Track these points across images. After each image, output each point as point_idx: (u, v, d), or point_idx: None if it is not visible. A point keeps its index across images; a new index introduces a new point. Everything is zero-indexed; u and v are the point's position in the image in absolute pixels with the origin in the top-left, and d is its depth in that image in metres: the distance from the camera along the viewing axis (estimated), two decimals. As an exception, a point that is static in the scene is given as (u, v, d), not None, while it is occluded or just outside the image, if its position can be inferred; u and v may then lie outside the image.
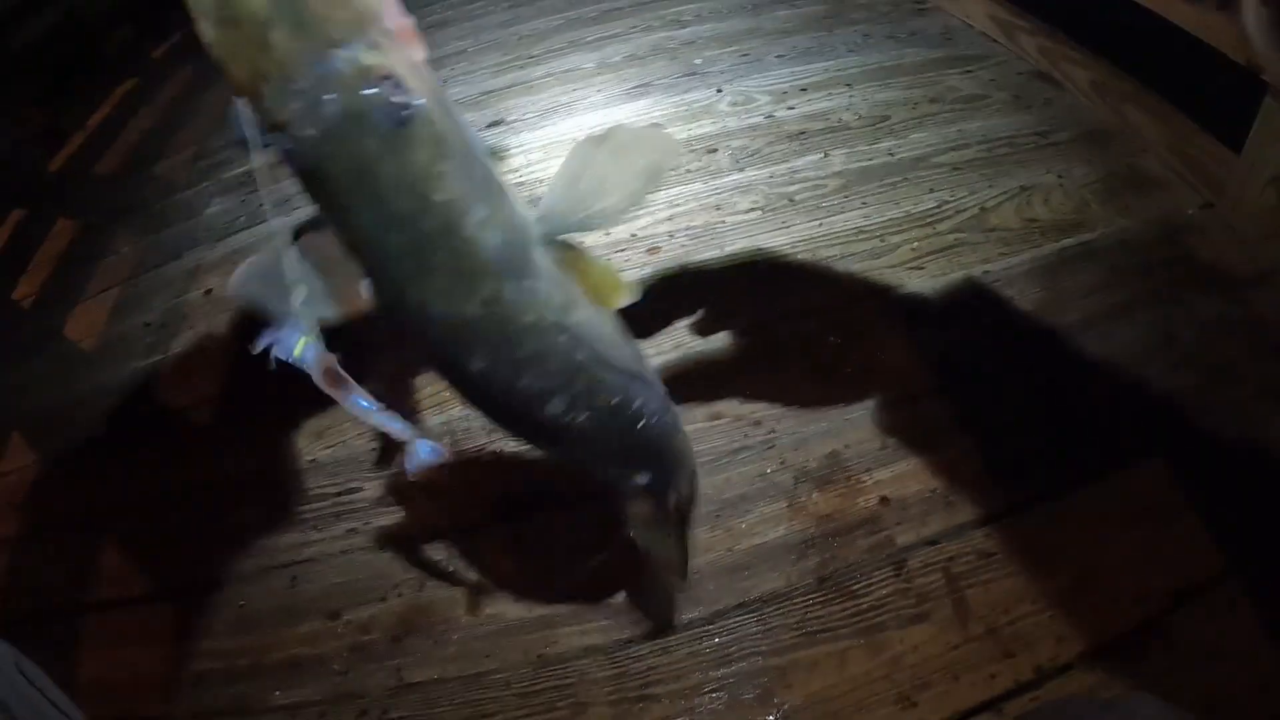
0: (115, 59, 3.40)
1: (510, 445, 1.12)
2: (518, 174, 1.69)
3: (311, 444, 1.22)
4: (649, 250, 1.38)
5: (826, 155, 1.56)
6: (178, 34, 3.83)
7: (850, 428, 1.07)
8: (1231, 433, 1.00)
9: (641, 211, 1.44)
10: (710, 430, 1.09)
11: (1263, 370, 1.06)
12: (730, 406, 1.11)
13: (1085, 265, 1.25)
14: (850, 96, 1.73)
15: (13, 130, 2.66)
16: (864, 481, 1.02)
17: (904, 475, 1.01)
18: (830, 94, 1.75)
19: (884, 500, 1.00)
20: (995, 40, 1.87)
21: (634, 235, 1.42)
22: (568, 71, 2.12)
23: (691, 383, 1.15)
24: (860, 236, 1.36)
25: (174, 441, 1.34)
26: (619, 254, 1.39)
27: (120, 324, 1.68)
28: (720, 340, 1.21)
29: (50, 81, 3.12)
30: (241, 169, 2.12)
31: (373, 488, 1.14)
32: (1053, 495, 0.97)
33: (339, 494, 1.15)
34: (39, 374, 1.65)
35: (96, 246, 2.04)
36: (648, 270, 1.34)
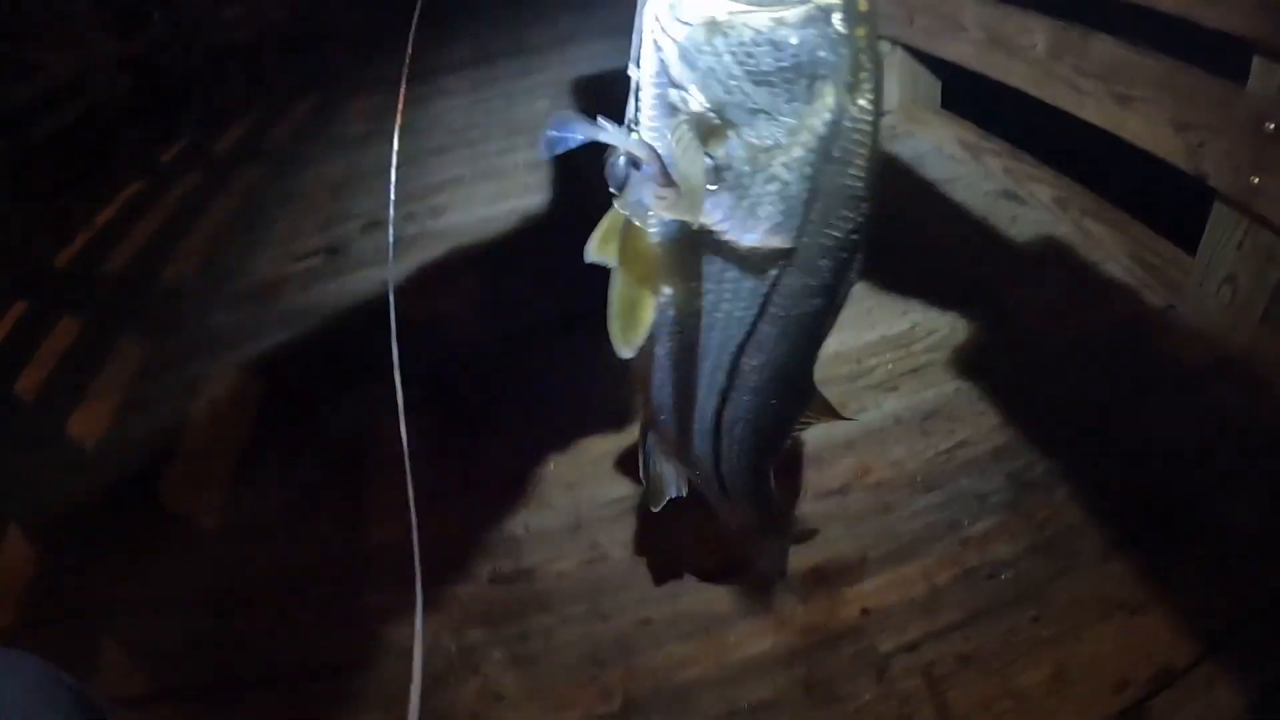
0: (125, 160, 3.51)
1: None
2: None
3: (315, 551, 1.27)
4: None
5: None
6: (186, 139, 3.99)
7: (831, 542, 1.13)
8: (1199, 519, 1.07)
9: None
10: (695, 547, 1.14)
11: (1227, 457, 1.15)
12: (715, 527, 1.16)
13: (1054, 373, 1.34)
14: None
15: (24, 220, 2.72)
16: (845, 594, 1.07)
17: (884, 585, 1.07)
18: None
19: (865, 611, 1.05)
20: (963, 162, 2.02)
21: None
22: (564, 198, 2.25)
23: (676, 504, 1.21)
24: (838, 360, 1.44)
25: (178, 546, 1.38)
26: (615, 378, 1.46)
27: (125, 428, 1.73)
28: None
29: (62, 177, 3.22)
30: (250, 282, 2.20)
31: (369, 597, 1.17)
32: (1029, 594, 1.02)
33: (339, 607, 1.18)
34: (40, 469, 1.69)
35: (101, 347, 2.10)
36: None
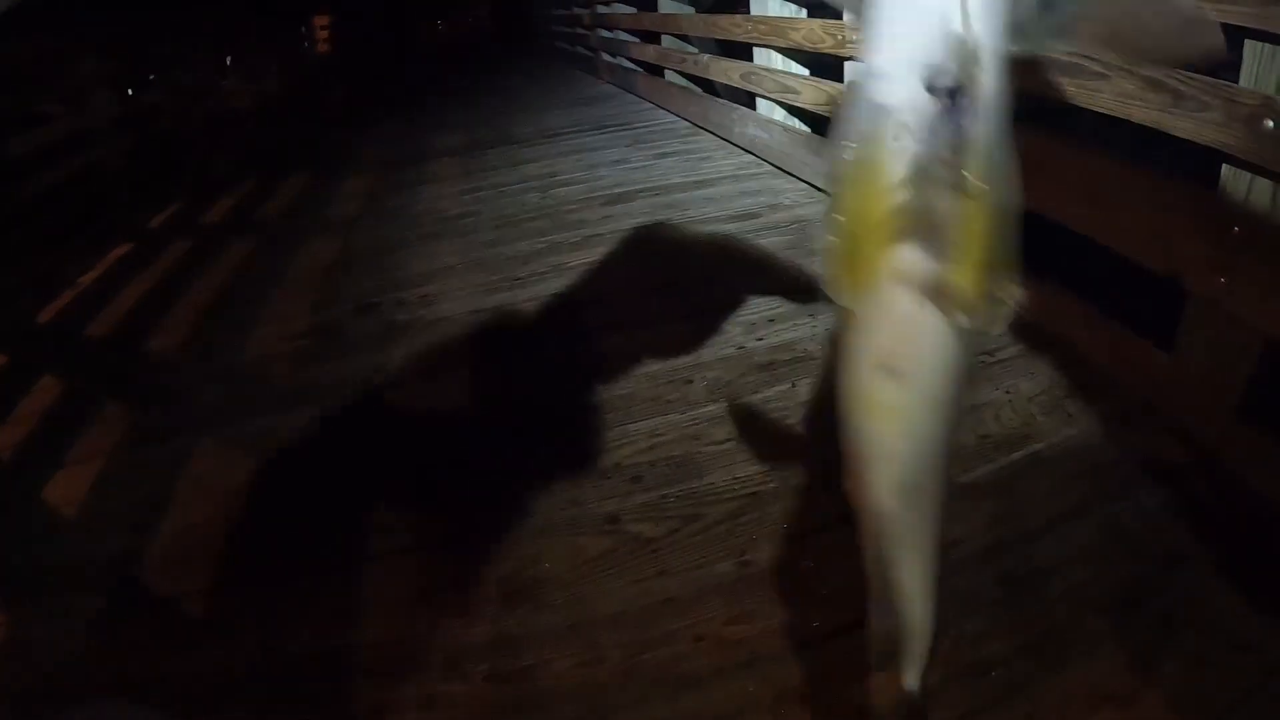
0: (115, 221, 3.54)
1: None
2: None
3: (304, 645, 1.25)
4: (632, 479, 1.51)
5: (794, 386, 1.74)
6: (177, 205, 4.03)
7: (827, 644, 1.15)
8: (1184, 615, 1.11)
9: (623, 442, 1.60)
10: (694, 651, 1.16)
11: (1207, 552, 1.20)
12: (711, 628, 1.19)
13: (1037, 474, 1.41)
14: (813, 326, 1.95)
15: (7, 273, 2.73)
16: (843, 694, 1.09)
17: (880, 684, 1.07)
18: (795, 324, 1.98)
19: (861, 711, 1.06)
20: None
21: (617, 465, 1.55)
22: (553, 296, 2.33)
23: (675, 602, 1.24)
24: (827, 464, 1.47)
25: (156, 627, 1.35)
26: (604, 482, 1.51)
27: (104, 498, 1.71)
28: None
29: (51, 232, 3.24)
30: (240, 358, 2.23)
31: (366, 694, 1.17)
32: (1021, 691, 1.05)
33: (327, 702, 1.17)
34: (11, 533, 1.66)
35: (82, 412, 2.09)
36: (631, 500, 1.46)
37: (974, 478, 1.41)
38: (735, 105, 3.71)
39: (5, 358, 2.44)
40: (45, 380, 2.30)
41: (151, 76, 4.98)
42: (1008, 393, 1.62)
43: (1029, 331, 1.79)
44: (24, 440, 2.02)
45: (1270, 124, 1.21)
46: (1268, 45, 1.25)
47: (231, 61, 6.75)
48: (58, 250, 3.15)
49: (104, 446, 1.90)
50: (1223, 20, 1.28)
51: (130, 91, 4.64)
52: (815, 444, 1.56)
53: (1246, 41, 1.27)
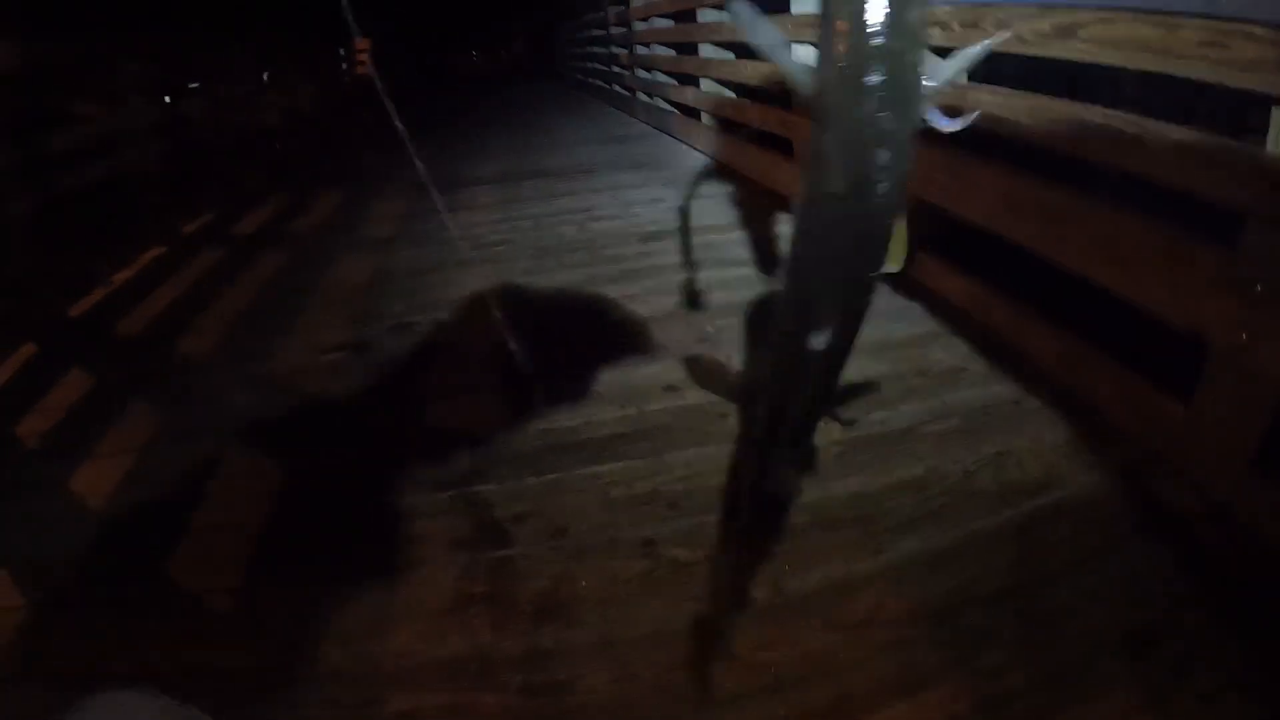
0: (149, 224, 3.58)
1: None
2: (547, 423, 1.83)
3: (334, 650, 1.24)
4: (669, 505, 1.50)
5: (825, 423, 1.73)
6: (210, 213, 4.08)
7: (853, 672, 1.14)
8: (1197, 656, 1.12)
9: (661, 470, 1.60)
10: (725, 672, 1.14)
11: (1219, 600, 1.21)
12: (743, 651, 1.17)
13: (1058, 520, 1.41)
14: (847, 370, 1.93)
15: (42, 267, 2.76)
16: None
17: (901, 715, 1.08)
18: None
19: None
20: (971, 314, 2.15)
21: (655, 491, 1.54)
22: (591, 327, 2.35)
23: (707, 625, 1.23)
24: (858, 501, 1.49)
25: (179, 622, 1.35)
26: (642, 507, 1.50)
27: (132, 492, 1.71)
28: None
29: (85, 231, 3.28)
30: (272, 367, 2.23)
31: (396, 701, 1.16)
32: None
33: (356, 706, 1.16)
34: (36, 517, 1.66)
35: (110, 407, 2.10)
36: (667, 526, 1.45)
37: (997, 522, 1.42)
38: (771, 150, 3.74)
39: (35, 347, 2.45)
40: (75, 373, 2.31)
41: (193, 85, 5.05)
42: (1031, 441, 1.63)
43: (1053, 383, 1.80)
44: (53, 429, 2.03)
45: None
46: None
47: (269, 78, 6.86)
48: (92, 248, 3.18)
49: (134, 441, 1.91)
50: (1250, 87, 1.33)
51: (169, 99, 4.70)
52: (847, 483, 1.55)
53: (1274, 109, 1.32)
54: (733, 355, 2.08)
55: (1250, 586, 1.25)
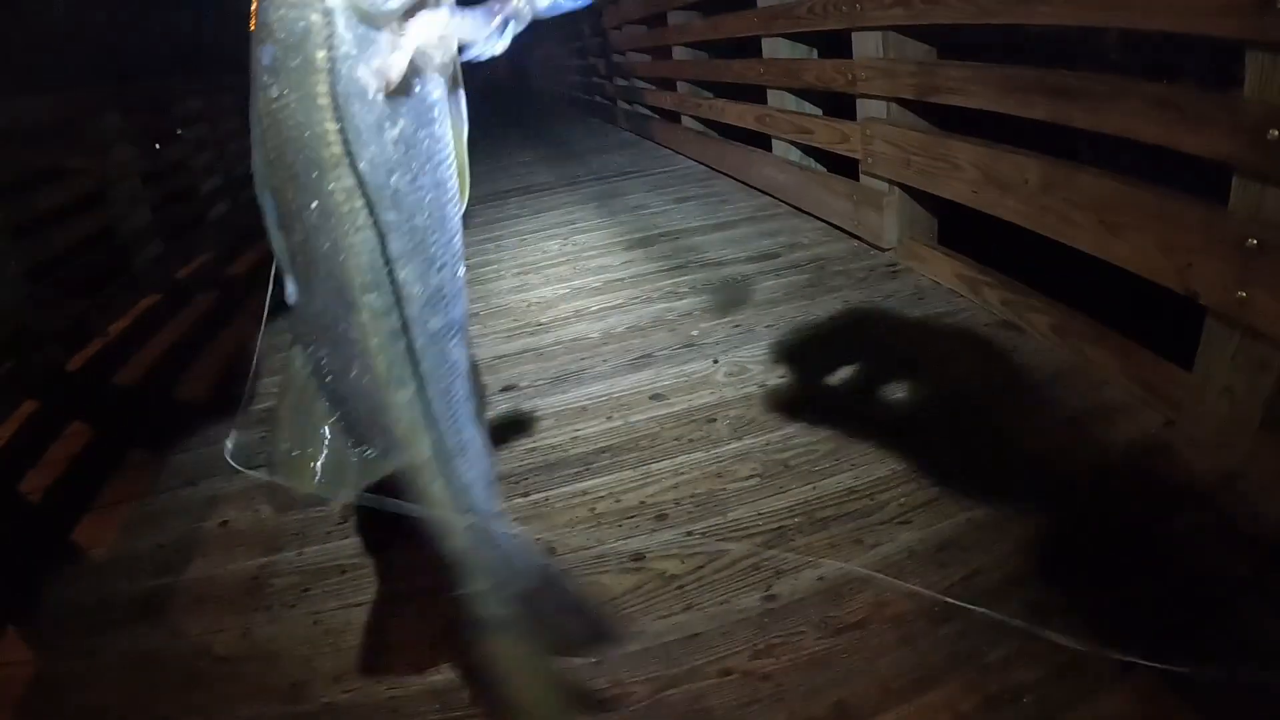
0: (142, 273, 3.61)
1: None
2: (533, 440, 1.84)
3: (329, 687, 1.25)
4: (657, 517, 1.51)
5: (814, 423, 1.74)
6: (204, 257, 4.12)
7: (854, 676, 1.13)
8: (1216, 633, 1.09)
9: (648, 480, 1.61)
10: (720, 686, 1.15)
11: (1239, 570, 1.18)
12: (738, 662, 1.18)
13: (1061, 497, 1.39)
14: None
15: (38, 321, 2.77)
16: None
17: (907, 715, 1.06)
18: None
19: None
20: (962, 295, 2.16)
21: (642, 503, 1.55)
22: (575, 340, 2.36)
23: (701, 637, 1.23)
24: (852, 497, 1.48)
25: (180, 668, 1.36)
26: (629, 520, 1.51)
27: (132, 540, 1.73)
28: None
29: (78, 283, 3.30)
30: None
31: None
32: (1051, 717, 1.03)
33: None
34: (42, 573, 1.67)
35: (110, 457, 2.12)
36: (656, 538, 1.46)
37: (999, 505, 1.39)
38: (752, 148, 3.76)
39: (36, 403, 2.47)
40: (75, 426, 2.34)
41: (179, 131, 5.09)
42: (1031, 420, 1.62)
43: (1053, 355, 1.80)
44: (54, 484, 2.06)
45: (1276, 133, 1.22)
46: (1268, 55, 1.24)
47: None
48: (87, 300, 3.20)
49: (133, 491, 1.93)
50: (1221, 34, 1.32)
51: (158, 146, 4.74)
52: (839, 479, 1.55)
53: (1248, 53, 1.27)
54: (719, 357, 2.09)
55: (1265, 556, 1.21)
